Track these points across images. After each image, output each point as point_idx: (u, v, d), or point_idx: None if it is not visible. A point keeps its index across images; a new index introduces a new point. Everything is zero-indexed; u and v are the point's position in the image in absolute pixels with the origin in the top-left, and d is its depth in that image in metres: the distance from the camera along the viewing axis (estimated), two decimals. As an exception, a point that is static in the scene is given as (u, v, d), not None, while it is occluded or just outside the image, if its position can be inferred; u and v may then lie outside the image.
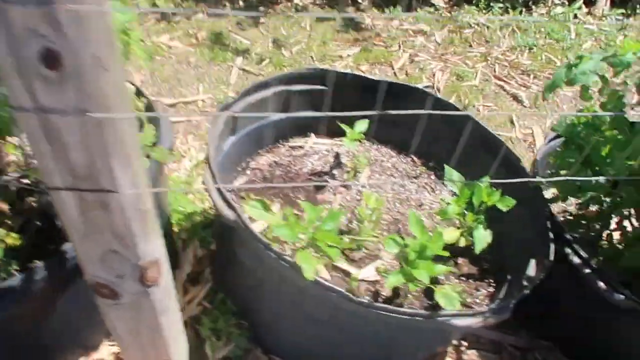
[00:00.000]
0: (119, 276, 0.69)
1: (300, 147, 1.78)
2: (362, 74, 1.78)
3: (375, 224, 1.52)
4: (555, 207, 1.67)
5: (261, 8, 3.15)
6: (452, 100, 2.34)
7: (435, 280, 1.35)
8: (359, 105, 1.67)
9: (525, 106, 2.65)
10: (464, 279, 1.48)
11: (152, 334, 0.82)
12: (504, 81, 2.81)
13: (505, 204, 1.37)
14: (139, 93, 1.36)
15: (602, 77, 1.26)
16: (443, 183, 1.75)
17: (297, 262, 1.06)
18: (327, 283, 1.09)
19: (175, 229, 1.73)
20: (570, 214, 1.63)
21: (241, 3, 3.18)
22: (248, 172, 1.68)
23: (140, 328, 0.80)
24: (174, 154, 1.98)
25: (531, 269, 1.30)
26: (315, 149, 1.79)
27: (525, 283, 1.25)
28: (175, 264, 1.55)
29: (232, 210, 1.17)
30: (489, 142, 1.63)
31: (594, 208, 1.50)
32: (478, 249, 1.35)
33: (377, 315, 1.08)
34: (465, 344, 1.57)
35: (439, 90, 2.64)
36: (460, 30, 3.17)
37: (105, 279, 0.69)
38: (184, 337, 0.95)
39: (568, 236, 1.38)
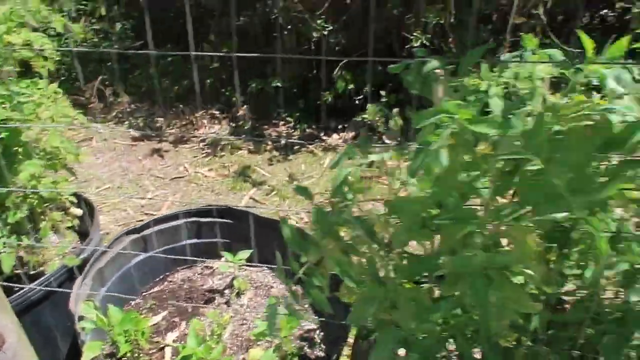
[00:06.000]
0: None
1: (210, 267, 2.18)
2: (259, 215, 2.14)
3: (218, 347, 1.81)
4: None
5: (296, 147, 3.71)
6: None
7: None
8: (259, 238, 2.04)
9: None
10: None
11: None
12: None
13: None
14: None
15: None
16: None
17: None
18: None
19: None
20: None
21: (282, 141, 3.80)
22: (164, 283, 2.12)
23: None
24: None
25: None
26: (222, 270, 2.16)
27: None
28: None
29: None
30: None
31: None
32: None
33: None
34: None
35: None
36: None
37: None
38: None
39: None
